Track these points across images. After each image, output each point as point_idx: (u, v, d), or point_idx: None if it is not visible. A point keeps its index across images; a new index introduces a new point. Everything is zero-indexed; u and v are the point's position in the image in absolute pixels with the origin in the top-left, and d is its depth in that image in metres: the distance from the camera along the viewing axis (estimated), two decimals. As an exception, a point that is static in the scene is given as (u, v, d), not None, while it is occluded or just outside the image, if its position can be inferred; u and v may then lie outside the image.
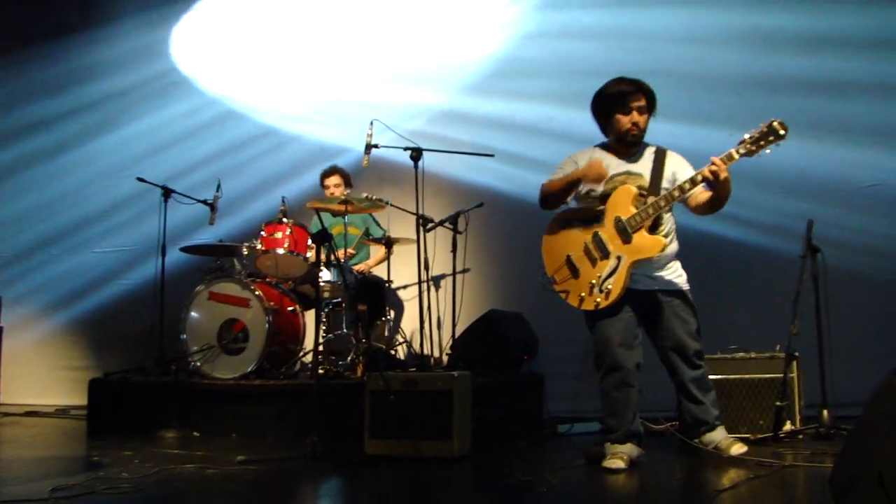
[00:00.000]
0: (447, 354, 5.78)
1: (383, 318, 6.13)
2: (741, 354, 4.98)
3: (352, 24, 7.67)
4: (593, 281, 3.97)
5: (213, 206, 6.41)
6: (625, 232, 3.94)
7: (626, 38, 6.48)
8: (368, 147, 5.32)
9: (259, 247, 5.97)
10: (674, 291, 4.13)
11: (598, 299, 3.95)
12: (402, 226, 6.25)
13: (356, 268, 6.38)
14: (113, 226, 8.32)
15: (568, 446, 5.01)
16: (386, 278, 6.21)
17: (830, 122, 5.90)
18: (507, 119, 6.83)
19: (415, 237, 5.37)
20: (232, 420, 5.34)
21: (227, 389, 5.47)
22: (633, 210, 3.95)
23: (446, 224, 5.80)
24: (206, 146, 8.02)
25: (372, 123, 5.36)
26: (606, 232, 3.99)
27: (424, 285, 5.30)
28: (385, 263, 6.24)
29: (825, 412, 4.76)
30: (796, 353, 4.89)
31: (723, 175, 3.76)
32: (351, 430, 4.51)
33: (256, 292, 5.68)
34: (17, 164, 8.62)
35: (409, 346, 6.20)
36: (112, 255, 8.26)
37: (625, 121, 4.04)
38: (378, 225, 6.67)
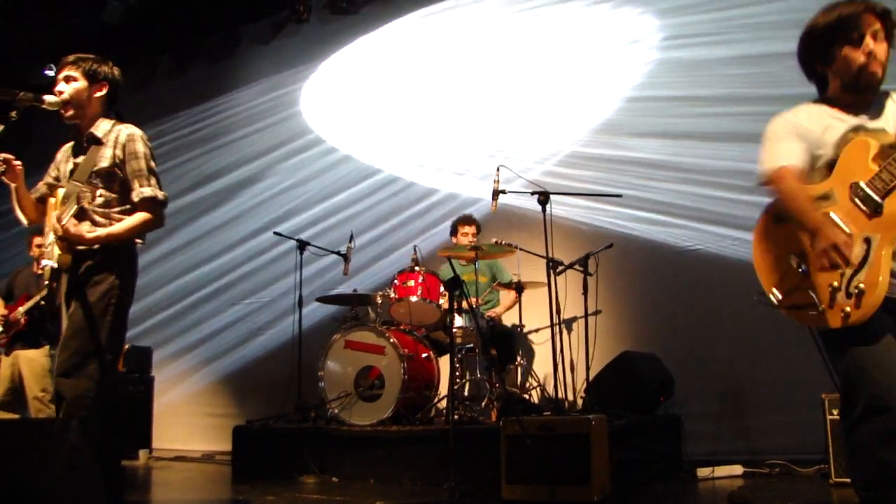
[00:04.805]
0: (582, 398, 5.72)
1: (515, 364, 6.13)
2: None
3: (477, 75, 7.83)
4: (835, 283, 2.65)
5: (346, 257, 6.59)
6: (869, 200, 2.66)
7: (747, 68, 6.37)
8: (496, 193, 5.39)
9: (392, 295, 6.07)
10: None
11: (847, 307, 2.62)
12: (531, 270, 6.27)
13: (487, 313, 6.41)
14: (252, 279, 8.68)
15: (709, 490, 4.86)
16: (516, 324, 6.21)
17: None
18: (634, 159, 6.78)
19: (545, 281, 5.38)
20: (369, 465, 5.40)
21: (364, 435, 5.55)
22: (876, 168, 2.68)
23: (576, 266, 5.79)
24: (339, 200, 8.30)
25: (499, 169, 5.44)
26: (841, 209, 2.71)
27: (556, 328, 5.29)
28: (517, 308, 6.26)
29: None
30: None
31: None
32: (488, 474, 4.51)
33: (391, 340, 5.76)
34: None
35: (543, 389, 6.16)
36: (252, 308, 8.61)
37: (857, 54, 2.76)
38: (503, 270, 6.71)
